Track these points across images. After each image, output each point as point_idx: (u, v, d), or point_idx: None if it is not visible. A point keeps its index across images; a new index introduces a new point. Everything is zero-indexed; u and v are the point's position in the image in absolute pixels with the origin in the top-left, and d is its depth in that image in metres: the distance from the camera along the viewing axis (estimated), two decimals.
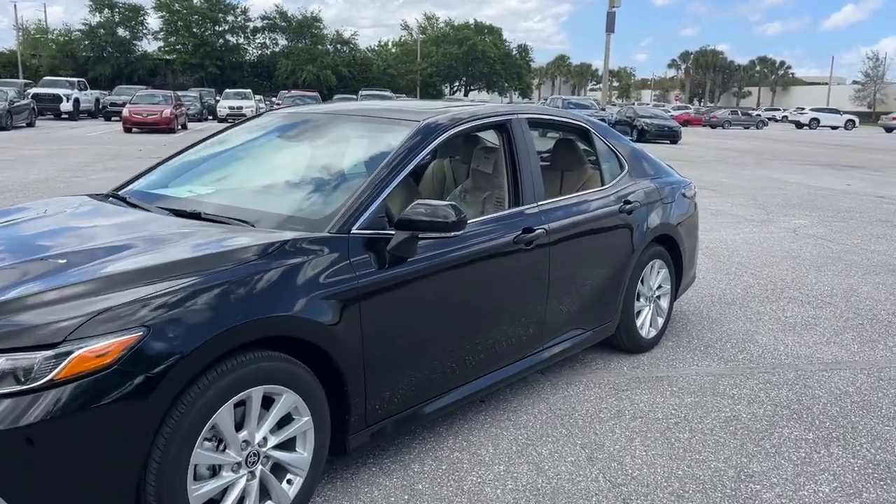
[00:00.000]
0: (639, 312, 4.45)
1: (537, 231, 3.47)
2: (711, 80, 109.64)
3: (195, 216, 2.92)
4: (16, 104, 25.61)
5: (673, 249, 4.66)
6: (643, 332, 4.47)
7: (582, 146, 4.53)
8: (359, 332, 2.64)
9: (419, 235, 2.79)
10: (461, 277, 3.10)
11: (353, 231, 2.73)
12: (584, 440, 3.32)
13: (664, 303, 4.67)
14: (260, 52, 71.00)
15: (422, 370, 2.98)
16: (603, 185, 4.20)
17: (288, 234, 2.62)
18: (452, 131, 3.28)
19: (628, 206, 4.16)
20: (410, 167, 3.04)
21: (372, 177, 2.92)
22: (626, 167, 4.41)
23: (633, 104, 48.46)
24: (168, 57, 66.61)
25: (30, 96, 29.34)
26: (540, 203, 3.61)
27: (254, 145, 3.67)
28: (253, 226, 2.80)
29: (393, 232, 2.81)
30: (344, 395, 2.65)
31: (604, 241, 4.00)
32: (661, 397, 3.84)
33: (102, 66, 61.64)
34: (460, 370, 3.19)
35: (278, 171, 3.47)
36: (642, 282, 4.41)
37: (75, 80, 36.85)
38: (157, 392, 2.10)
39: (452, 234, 2.79)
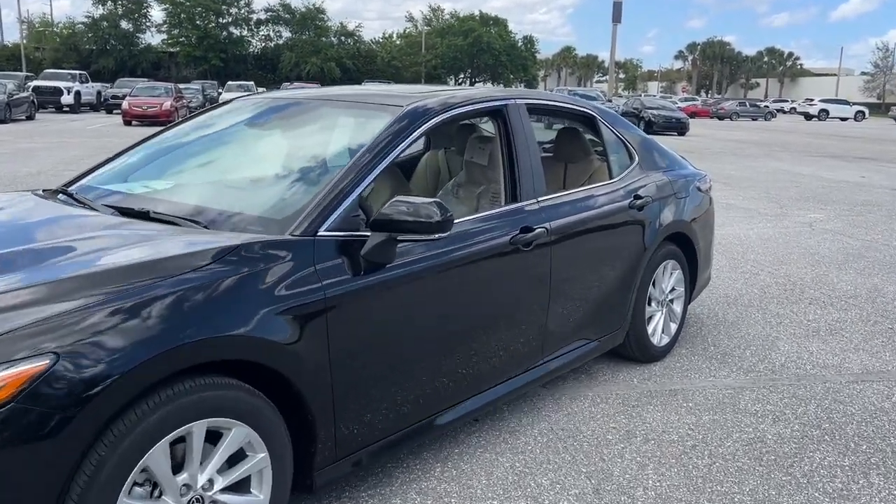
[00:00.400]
0: (650, 318, 4.05)
1: (537, 230, 3.08)
2: (719, 71, 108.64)
3: (144, 216, 2.54)
4: (15, 97, 25.27)
5: (687, 248, 4.26)
6: (655, 340, 4.07)
7: (588, 136, 4.13)
8: (326, 350, 2.25)
9: (398, 238, 2.40)
10: (449, 284, 2.71)
11: (321, 233, 2.34)
12: (589, 468, 2.94)
13: (677, 307, 4.28)
14: (264, 44, 70.61)
15: (404, 392, 2.59)
16: (611, 178, 3.80)
17: (241, 238, 2.23)
18: (440, 118, 2.88)
19: (639, 202, 3.76)
20: (391, 158, 2.65)
21: (344, 170, 2.52)
22: (637, 158, 4.01)
23: (640, 96, 47.80)
24: (171, 49, 66.26)
25: (30, 89, 29.03)
26: (540, 199, 3.21)
27: (222, 134, 3.28)
28: (206, 227, 2.41)
29: (369, 233, 2.42)
30: (309, 425, 2.27)
31: (612, 240, 3.61)
32: (675, 415, 3.45)
33: (106, 59, 61.35)
34: (450, 389, 2.81)
35: (243, 163, 3.08)
36: (654, 284, 4.02)
37: (76, 72, 36.56)
38: (70, 432, 1.73)
39: (436, 235, 2.40)
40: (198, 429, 1.98)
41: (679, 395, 3.67)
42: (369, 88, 3.48)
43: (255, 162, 3.07)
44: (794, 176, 14.18)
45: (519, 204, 3.12)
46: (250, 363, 2.08)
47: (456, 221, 2.78)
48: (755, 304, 5.32)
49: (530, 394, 3.56)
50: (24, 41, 60.53)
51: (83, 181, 3.18)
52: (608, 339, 3.72)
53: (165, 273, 2.00)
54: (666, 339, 4.18)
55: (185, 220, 2.46)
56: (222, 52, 64.71)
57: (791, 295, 5.62)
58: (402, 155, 4.94)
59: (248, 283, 2.10)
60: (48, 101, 30.92)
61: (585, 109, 3.85)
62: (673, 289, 4.21)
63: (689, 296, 4.40)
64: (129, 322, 1.84)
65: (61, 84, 32.16)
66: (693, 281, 4.39)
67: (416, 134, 2.77)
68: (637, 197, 3.78)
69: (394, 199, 2.41)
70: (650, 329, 4.04)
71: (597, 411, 3.46)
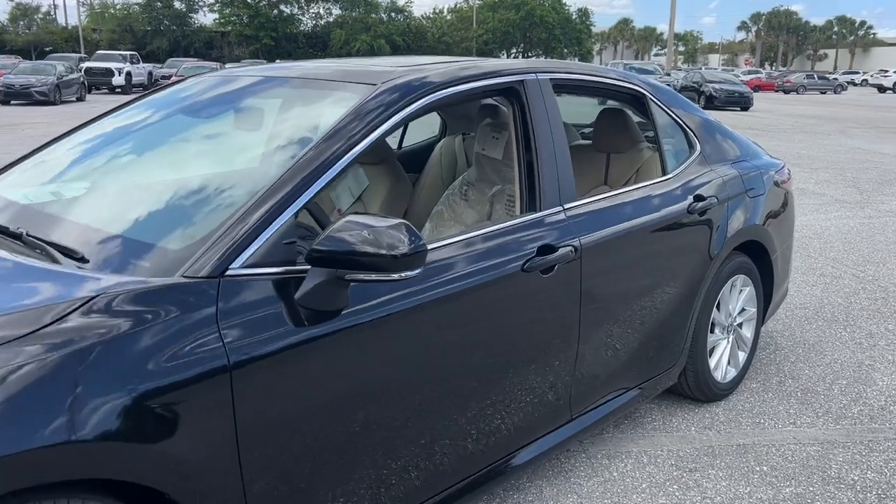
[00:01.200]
0: (713, 349, 3.24)
1: (561, 250, 2.30)
2: (784, 42, 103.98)
3: (17, 237, 1.86)
4: (64, 79, 25.45)
5: (761, 259, 3.42)
6: (718, 375, 3.25)
7: (637, 118, 3.31)
8: (231, 445, 1.54)
9: (346, 277, 1.67)
10: (433, 333, 1.96)
11: (232, 271, 1.62)
12: None
13: (747, 331, 3.44)
14: (314, 22, 70.22)
15: (361, 487, 1.87)
16: (665, 173, 2.98)
17: (102, 284, 1.53)
18: (427, 100, 2.11)
19: (701, 204, 2.94)
20: (351, 157, 1.89)
21: (278, 179, 1.79)
22: (698, 147, 3.17)
23: (700, 69, 45.62)
24: (223, 29, 66.45)
25: (82, 70, 29.25)
26: (568, 205, 2.43)
27: (156, 123, 2.55)
28: (84, 259, 1.72)
29: (308, 268, 1.70)
30: None
31: (665, 256, 2.80)
32: (745, 486, 2.65)
33: (160, 40, 61.93)
34: (438, 473, 2.08)
35: (166, 163, 2.36)
36: (718, 307, 3.19)
37: (128, 53, 36.88)
38: None
39: (400, 275, 1.65)
40: None
41: (750, 454, 2.86)
42: (349, 62, 2.72)
43: (178, 162, 2.35)
44: (872, 155, 12.88)
45: (538, 214, 2.35)
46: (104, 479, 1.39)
47: (445, 242, 2.04)
48: (840, 319, 4.41)
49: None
50: (84, 23, 61.55)
51: None
52: (657, 381, 2.92)
53: None
54: (732, 373, 3.36)
55: (59, 248, 1.77)
56: (273, 31, 64.51)
57: (884, 306, 4.68)
58: (415, 143, 4.29)
59: (103, 356, 1.39)
60: (100, 82, 31.14)
61: (632, 85, 3.02)
62: (742, 310, 3.38)
63: (763, 317, 3.56)
64: None
65: (112, 65, 32.35)
66: (768, 298, 3.54)
67: (390, 122, 2.01)
68: (699, 198, 2.95)
69: (345, 220, 1.68)
70: (713, 362, 3.22)
71: (642, 477, 2.69)
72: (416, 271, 1.66)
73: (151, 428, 1.41)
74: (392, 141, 4.00)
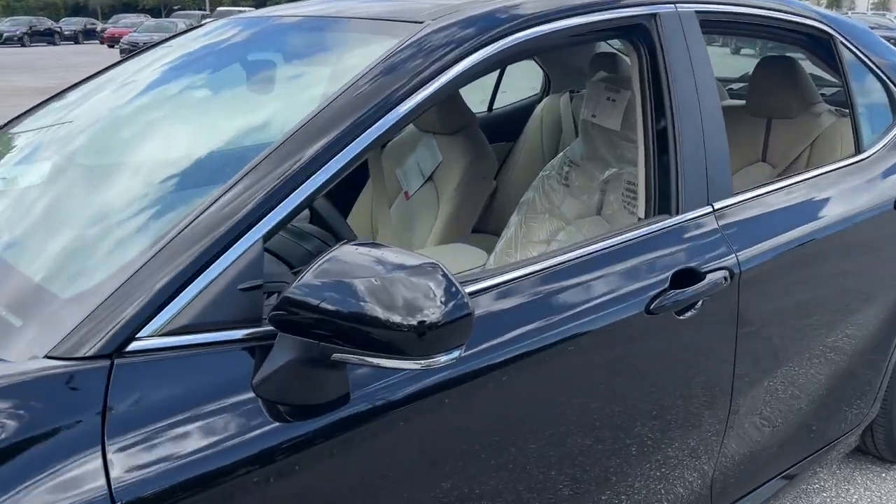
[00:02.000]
0: None
1: (710, 277, 1.49)
2: None
3: None
4: None
5: None
6: None
7: (812, 69, 2.39)
8: None
9: (334, 357, 0.96)
10: (494, 423, 1.23)
11: (137, 343, 0.95)
12: None
13: None
14: None
15: None
16: (859, 150, 2.06)
17: None
18: (495, 47, 1.32)
19: None
20: (357, 147, 1.15)
21: (235, 181, 1.09)
22: None
23: (847, 14, 41.40)
24: None
25: None
26: (720, 204, 1.61)
27: (138, 85, 1.87)
28: None
29: (272, 329, 1.00)
30: None
31: (858, 273, 1.92)
32: None
33: None
34: None
35: (130, 144, 1.69)
36: None
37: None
38: None
39: (423, 363, 0.93)
40: None
41: None
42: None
43: (147, 141, 1.67)
44: None
45: (674, 219, 1.54)
46: None
47: (518, 274, 1.30)
48: None
49: None
50: None
51: None
52: (835, 448, 2.07)
53: None
54: None
55: None
56: None
57: None
58: (507, 105, 3.48)
59: None
60: None
61: (813, 20, 2.07)
62: None
63: None
64: None
65: None
66: None
67: (440, 83, 1.26)
68: None
69: (339, 248, 0.97)
70: None
71: None
72: (453, 355, 0.93)
73: None
74: (470, 96, 3.26)
